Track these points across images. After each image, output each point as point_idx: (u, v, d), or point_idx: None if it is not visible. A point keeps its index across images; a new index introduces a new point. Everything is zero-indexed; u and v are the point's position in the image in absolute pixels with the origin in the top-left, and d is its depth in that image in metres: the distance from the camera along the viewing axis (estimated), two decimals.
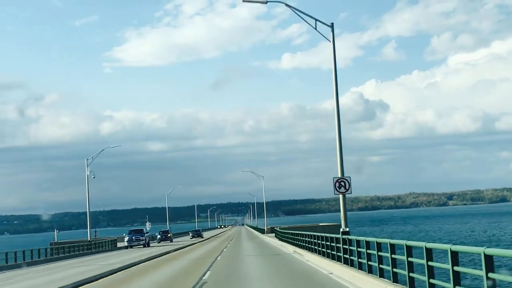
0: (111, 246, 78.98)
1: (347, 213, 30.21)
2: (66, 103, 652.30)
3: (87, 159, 76.09)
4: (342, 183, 29.68)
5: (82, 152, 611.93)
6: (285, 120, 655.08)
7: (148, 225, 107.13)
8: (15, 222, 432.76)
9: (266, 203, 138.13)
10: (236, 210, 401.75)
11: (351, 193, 29.68)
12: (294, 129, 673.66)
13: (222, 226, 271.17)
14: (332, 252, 27.40)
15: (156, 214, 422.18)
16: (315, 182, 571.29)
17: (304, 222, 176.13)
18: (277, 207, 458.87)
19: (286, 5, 31.13)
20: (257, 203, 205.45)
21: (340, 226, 29.79)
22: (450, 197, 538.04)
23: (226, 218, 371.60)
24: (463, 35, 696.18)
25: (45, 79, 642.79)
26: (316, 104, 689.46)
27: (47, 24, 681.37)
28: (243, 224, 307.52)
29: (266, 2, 31.29)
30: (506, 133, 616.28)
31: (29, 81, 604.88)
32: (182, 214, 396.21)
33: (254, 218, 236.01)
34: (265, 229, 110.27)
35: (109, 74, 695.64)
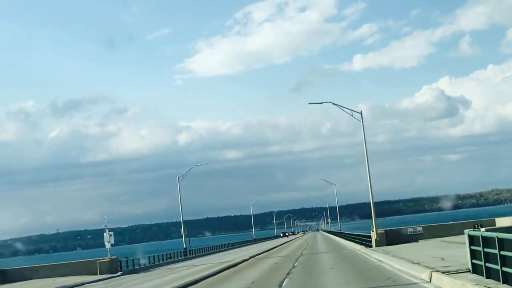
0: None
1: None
2: (143, 116, 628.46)
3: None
4: None
5: (160, 164, 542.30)
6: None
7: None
8: (88, 236, 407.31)
9: (341, 206, 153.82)
10: (310, 215, 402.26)
11: None
12: (371, 130, 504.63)
13: (288, 234, 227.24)
14: None
15: (229, 223, 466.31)
16: (391, 183, 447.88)
17: (390, 224, 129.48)
18: (352, 211, 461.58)
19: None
20: (330, 207, 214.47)
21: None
22: None
23: (299, 224, 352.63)
24: None
25: (123, 93, 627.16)
26: (393, 103, 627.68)
27: (122, 40, 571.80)
28: (318, 230, 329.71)
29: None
30: None
31: (110, 96, 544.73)
32: (256, 221, 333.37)
33: (327, 223, 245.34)
34: (374, 237, 56.15)
35: (181, 86, 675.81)
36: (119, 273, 58.01)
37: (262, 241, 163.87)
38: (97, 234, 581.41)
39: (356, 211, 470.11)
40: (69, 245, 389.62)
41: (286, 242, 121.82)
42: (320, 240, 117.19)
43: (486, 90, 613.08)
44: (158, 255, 75.35)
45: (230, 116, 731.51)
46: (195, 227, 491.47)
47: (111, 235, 62.70)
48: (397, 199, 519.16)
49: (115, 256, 62.34)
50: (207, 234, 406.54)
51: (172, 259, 78.69)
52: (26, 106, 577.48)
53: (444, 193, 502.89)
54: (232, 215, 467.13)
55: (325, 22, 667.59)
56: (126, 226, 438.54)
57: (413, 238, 57.13)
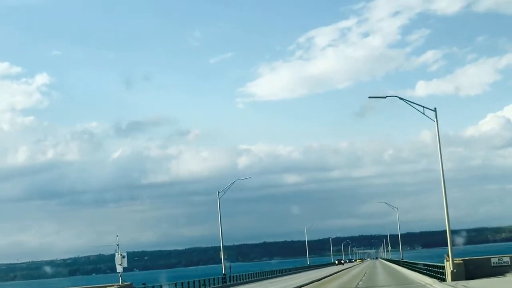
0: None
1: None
2: (204, 138, 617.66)
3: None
4: None
5: (219, 187, 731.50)
6: (425, 148, 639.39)
7: None
8: (145, 258, 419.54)
9: (401, 235, 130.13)
10: (368, 243, 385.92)
11: None
12: (434, 158, 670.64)
13: (344, 262, 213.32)
14: None
15: (286, 248, 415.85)
16: (453, 212, 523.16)
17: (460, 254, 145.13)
18: (413, 240, 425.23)
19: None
20: (390, 235, 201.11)
21: None
22: None
23: (358, 251, 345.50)
24: None
25: (186, 116, 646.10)
26: (457, 131, 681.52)
27: (186, 63, 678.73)
28: (376, 258, 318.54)
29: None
30: None
31: (172, 118, 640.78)
32: (313, 248, 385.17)
33: (387, 251, 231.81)
34: (449, 268, 47.52)
35: (242, 109, 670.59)
36: None
37: (316, 268, 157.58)
38: (155, 256, 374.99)
39: (417, 240, 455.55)
40: (127, 266, 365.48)
41: (342, 270, 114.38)
42: (379, 269, 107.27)
43: None
44: (188, 282, 68.31)
45: (290, 140, 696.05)
46: (252, 251, 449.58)
47: (123, 257, 53.17)
48: (459, 228, 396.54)
49: (128, 283, 53.21)
50: (264, 259, 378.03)
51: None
52: (90, 127, 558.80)
53: (509, 223, 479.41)
54: (290, 240, 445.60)
55: (388, 47, 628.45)
56: (183, 248, 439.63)
57: (498, 270, 47.67)
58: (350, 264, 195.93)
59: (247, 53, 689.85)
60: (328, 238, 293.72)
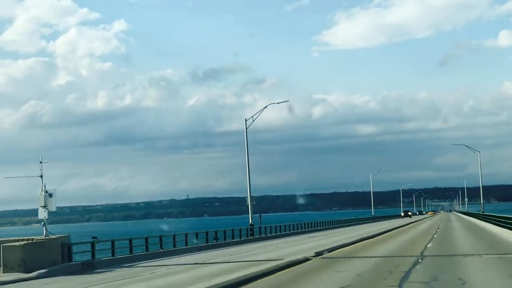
0: None
1: None
2: (279, 87, 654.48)
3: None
4: None
5: (292, 137, 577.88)
6: (508, 100, 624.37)
7: None
8: (216, 204, 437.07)
9: (476, 188, 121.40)
10: (442, 195, 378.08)
11: None
12: None
13: (411, 214, 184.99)
14: None
15: (357, 199, 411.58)
16: None
17: None
18: (488, 193, 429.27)
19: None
20: (466, 188, 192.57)
21: None
22: None
23: (431, 203, 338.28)
24: None
25: (261, 64, 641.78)
26: None
27: (262, 10, 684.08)
28: (451, 210, 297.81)
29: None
30: None
31: (248, 66, 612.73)
32: (385, 199, 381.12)
33: (463, 203, 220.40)
34: None
35: (317, 58, 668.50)
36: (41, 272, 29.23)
37: (380, 220, 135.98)
38: (225, 202, 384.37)
39: (493, 193, 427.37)
40: (197, 211, 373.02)
41: (408, 224, 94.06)
42: (455, 223, 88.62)
43: None
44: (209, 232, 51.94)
45: (367, 90, 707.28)
46: (323, 201, 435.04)
47: (50, 195, 32.36)
48: None
49: (58, 236, 32.69)
50: (334, 208, 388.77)
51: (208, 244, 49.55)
52: (167, 74, 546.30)
53: None
54: (361, 191, 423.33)
55: None
56: (253, 195, 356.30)
57: None
58: (420, 217, 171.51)
59: (323, 0, 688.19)
60: (402, 190, 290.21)
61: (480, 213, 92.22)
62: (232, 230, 57.97)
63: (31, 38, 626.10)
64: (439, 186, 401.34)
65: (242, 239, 57.91)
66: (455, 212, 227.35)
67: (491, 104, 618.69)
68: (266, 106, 59.09)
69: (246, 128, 63.82)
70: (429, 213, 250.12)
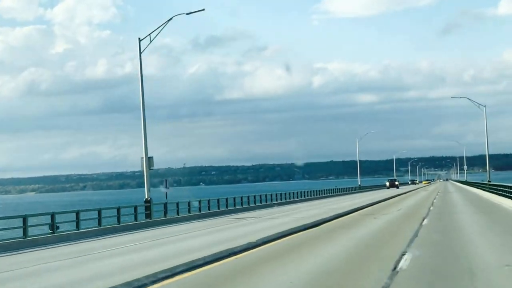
0: None
1: None
2: (280, 55, 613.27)
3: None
4: None
5: (292, 105, 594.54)
6: (508, 70, 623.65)
7: None
8: (212, 173, 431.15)
9: (474, 157, 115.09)
10: (439, 164, 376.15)
11: None
12: None
13: (398, 184, 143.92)
14: None
15: (353, 168, 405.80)
16: None
17: None
18: (485, 162, 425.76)
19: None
20: (461, 157, 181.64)
21: None
22: None
23: (427, 172, 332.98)
24: None
25: (263, 31, 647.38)
26: None
27: None
28: (447, 179, 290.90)
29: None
30: None
31: (250, 33, 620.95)
32: (380, 168, 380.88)
33: (462, 172, 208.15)
34: None
35: (317, 26, 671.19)
36: None
37: (365, 191, 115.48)
38: (222, 171, 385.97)
39: (490, 162, 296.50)
40: (193, 180, 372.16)
41: (396, 196, 72.46)
42: (456, 196, 68.17)
43: None
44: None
45: (367, 58, 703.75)
46: (319, 170, 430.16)
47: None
48: None
49: None
50: (331, 177, 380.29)
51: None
52: (167, 41, 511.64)
53: None
54: (362, 160, 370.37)
55: None
56: (250, 164, 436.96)
57: None
58: (411, 187, 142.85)
59: None
60: (398, 158, 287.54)
61: (487, 182, 70.05)
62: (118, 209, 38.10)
63: (29, 5, 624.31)
64: (436, 155, 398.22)
65: (129, 223, 39.06)
66: (452, 181, 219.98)
67: (492, 72, 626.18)
68: (171, 19, 42.43)
69: (140, 53, 42.47)
70: (423, 182, 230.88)
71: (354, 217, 37.95)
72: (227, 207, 53.41)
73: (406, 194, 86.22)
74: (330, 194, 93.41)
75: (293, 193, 75.96)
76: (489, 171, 74.63)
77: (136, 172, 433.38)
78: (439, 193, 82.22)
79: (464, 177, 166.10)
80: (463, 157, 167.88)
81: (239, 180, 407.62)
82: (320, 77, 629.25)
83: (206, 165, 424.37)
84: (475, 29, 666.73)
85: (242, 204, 57.37)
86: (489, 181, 68.50)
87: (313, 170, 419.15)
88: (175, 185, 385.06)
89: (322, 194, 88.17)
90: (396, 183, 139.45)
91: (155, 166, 45.01)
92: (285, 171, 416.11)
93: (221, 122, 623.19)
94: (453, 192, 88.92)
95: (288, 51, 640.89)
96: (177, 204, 44.91)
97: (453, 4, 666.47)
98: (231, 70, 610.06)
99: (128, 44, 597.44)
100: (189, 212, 46.30)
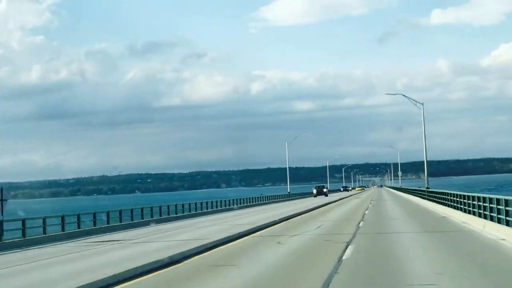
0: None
1: None
2: (219, 62, 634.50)
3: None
4: None
5: (230, 113, 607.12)
6: (440, 78, 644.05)
7: None
8: (148, 180, 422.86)
9: (406, 163, 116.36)
10: (374, 170, 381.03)
11: None
12: (448, 87, 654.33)
13: (326, 190, 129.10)
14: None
15: (292, 174, 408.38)
16: (461, 142, 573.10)
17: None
18: (418, 169, 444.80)
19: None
20: (395, 164, 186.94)
21: None
22: None
23: (362, 178, 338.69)
24: None
25: (202, 39, 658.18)
26: (473, 60, 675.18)
27: None
28: (381, 186, 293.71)
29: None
30: None
31: (188, 40, 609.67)
32: (317, 174, 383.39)
33: (396, 178, 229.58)
34: None
35: (255, 34, 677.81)
36: None
37: (295, 199, 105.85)
38: (158, 178, 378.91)
39: (422, 169, 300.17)
40: (128, 188, 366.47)
41: (322, 206, 63.60)
42: (391, 205, 62.59)
43: None
44: None
45: (305, 66, 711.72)
46: (256, 176, 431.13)
47: None
48: (466, 158, 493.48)
49: None
50: (267, 184, 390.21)
51: None
52: (104, 47, 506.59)
53: None
54: (294, 167, 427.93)
55: None
56: (188, 171, 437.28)
57: None
58: (343, 194, 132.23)
59: None
60: (333, 165, 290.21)
61: (425, 189, 62.01)
62: None
63: None
64: (370, 162, 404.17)
65: None
66: (386, 188, 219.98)
67: (425, 81, 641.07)
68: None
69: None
70: (356, 188, 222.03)
71: (251, 241, 27.54)
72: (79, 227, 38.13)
73: (335, 203, 75.70)
74: (254, 203, 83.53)
75: (208, 202, 64.61)
76: (427, 177, 64.51)
77: (70, 179, 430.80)
78: (372, 202, 72.99)
79: (399, 183, 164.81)
80: (397, 163, 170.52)
81: (175, 187, 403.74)
82: (258, 85, 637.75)
83: (143, 173, 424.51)
84: (410, 38, 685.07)
85: (108, 222, 42.07)
86: (427, 188, 60.75)
87: (250, 177, 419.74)
88: (109, 193, 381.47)
89: (245, 203, 79.02)
90: (325, 190, 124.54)
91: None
92: (222, 178, 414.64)
93: (159, 129, 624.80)
94: (388, 200, 78.56)
95: (227, 58, 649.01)
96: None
97: (387, 14, 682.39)
98: (170, 77, 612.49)
99: (63, 49, 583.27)
100: None
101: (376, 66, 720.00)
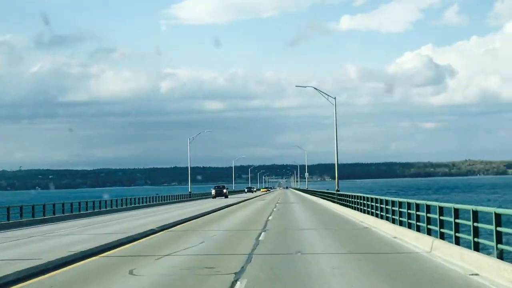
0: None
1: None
2: (129, 59, 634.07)
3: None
4: None
5: (138, 110, 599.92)
6: (348, 82, 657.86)
7: None
8: (50, 176, 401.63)
9: (312, 165, 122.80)
10: (280, 172, 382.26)
11: None
12: (355, 92, 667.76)
13: (226, 191, 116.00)
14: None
15: (197, 174, 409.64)
16: (366, 146, 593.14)
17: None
18: (323, 171, 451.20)
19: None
20: (301, 166, 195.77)
21: None
22: (509, 165, 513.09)
23: (269, 180, 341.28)
24: None
25: (109, 34, 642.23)
26: (379, 67, 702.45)
27: None
28: (287, 187, 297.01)
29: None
30: None
31: (97, 35, 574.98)
32: (224, 175, 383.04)
33: (297, 181, 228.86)
34: None
35: (165, 32, 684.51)
36: None
37: (196, 199, 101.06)
38: (60, 175, 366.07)
39: (327, 171, 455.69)
40: (29, 184, 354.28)
41: (218, 210, 54.08)
42: (298, 209, 54.02)
43: (468, 61, 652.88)
44: None
45: (216, 66, 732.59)
46: (163, 175, 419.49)
47: None
48: (369, 162, 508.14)
49: None
50: (173, 183, 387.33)
51: None
52: (10, 38, 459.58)
53: (417, 160, 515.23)
54: (201, 166, 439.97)
55: None
56: (91, 169, 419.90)
57: None
58: (247, 196, 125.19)
59: None
60: (241, 166, 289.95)
61: (335, 192, 57.43)
62: None
63: None
64: (277, 163, 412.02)
65: None
66: (292, 189, 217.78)
67: (333, 84, 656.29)
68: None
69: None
70: (261, 190, 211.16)
71: (93, 267, 18.22)
72: None
73: (236, 205, 66.98)
74: (144, 204, 73.54)
75: (82, 203, 53.59)
76: (337, 179, 59.46)
77: None
78: (277, 205, 64.96)
79: (305, 185, 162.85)
80: (303, 165, 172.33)
81: (78, 184, 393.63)
82: (168, 83, 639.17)
83: (44, 169, 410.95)
84: (321, 42, 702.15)
85: None
86: (337, 190, 56.37)
87: (156, 175, 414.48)
88: (8, 188, 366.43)
89: (132, 204, 68.77)
90: (225, 191, 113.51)
91: None
92: (127, 176, 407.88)
93: (63, 124, 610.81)
94: (295, 203, 70.13)
95: (137, 55, 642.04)
96: None
97: (298, 18, 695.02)
98: (77, 72, 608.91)
99: None
100: None
101: (287, 68, 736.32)
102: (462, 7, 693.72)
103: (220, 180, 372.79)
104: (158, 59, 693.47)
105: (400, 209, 25.91)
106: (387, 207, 29.04)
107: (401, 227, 24.86)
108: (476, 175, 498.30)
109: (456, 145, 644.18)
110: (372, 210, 33.59)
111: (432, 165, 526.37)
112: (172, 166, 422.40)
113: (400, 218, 25.56)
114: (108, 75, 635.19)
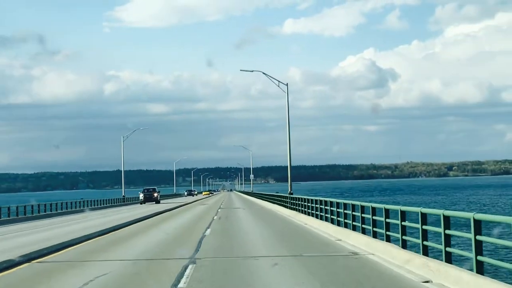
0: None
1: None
2: (72, 60, 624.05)
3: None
4: None
5: (81, 112, 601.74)
6: (293, 86, 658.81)
7: None
8: None
9: (256, 168, 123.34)
10: (224, 175, 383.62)
11: None
12: (300, 95, 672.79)
13: (157, 197, 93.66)
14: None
15: (141, 177, 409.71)
16: (310, 149, 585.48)
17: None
18: (267, 173, 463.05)
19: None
20: (245, 168, 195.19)
21: None
22: (450, 167, 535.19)
23: (213, 183, 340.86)
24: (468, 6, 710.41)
25: (53, 35, 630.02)
26: (323, 70, 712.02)
27: None
28: (231, 190, 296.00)
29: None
30: (507, 105, 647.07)
31: (40, 36, 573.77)
32: (167, 178, 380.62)
33: (241, 184, 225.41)
34: None
35: (109, 34, 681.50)
36: None
37: (129, 204, 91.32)
38: (0, 179, 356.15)
39: (270, 174, 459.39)
40: None
41: (142, 220, 43.11)
42: (244, 216, 45.27)
43: (409, 65, 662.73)
44: None
45: (160, 69, 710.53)
46: (105, 179, 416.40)
47: None
48: (313, 164, 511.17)
49: None
50: (116, 187, 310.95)
51: None
52: None
53: (360, 162, 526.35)
54: (145, 169, 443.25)
55: None
56: (32, 172, 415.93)
57: None
58: (186, 200, 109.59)
59: None
60: (185, 169, 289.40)
61: (287, 195, 50.73)
62: None
63: None
64: (221, 166, 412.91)
65: None
66: (236, 192, 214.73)
67: (278, 88, 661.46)
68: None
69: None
70: (203, 193, 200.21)
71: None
72: None
73: (168, 212, 55.69)
74: (63, 211, 62.69)
75: None
76: (290, 181, 52.84)
77: None
78: (220, 211, 55.37)
79: (250, 188, 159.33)
80: (248, 167, 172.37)
81: (18, 188, 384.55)
82: (111, 85, 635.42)
83: None
84: (266, 45, 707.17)
85: None
86: (290, 193, 49.86)
87: (99, 179, 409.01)
88: None
89: (48, 211, 58.47)
90: (155, 195, 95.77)
91: None
92: (69, 180, 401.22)
93: (3, 127, 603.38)
94: (241, 208, 60.74)
95: (81, 57, 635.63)
96: None
97: (242, 21, 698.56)
98: (18, 73, 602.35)
99: None
100: None
101: (232, 71, 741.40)
102: (403, 12, 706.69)
103: (163, 183, 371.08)
104: (102, 61, 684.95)
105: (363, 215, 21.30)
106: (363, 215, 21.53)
107: (376, 240, 19.03)
108: (418, 177, 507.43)
109: (398, 147, 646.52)
110: (347, 221, 24.32)
111: (375, 167, 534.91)
112: (115, 170, 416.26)
113: (368, 227, 20.28)
114: (51, 77, 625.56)
